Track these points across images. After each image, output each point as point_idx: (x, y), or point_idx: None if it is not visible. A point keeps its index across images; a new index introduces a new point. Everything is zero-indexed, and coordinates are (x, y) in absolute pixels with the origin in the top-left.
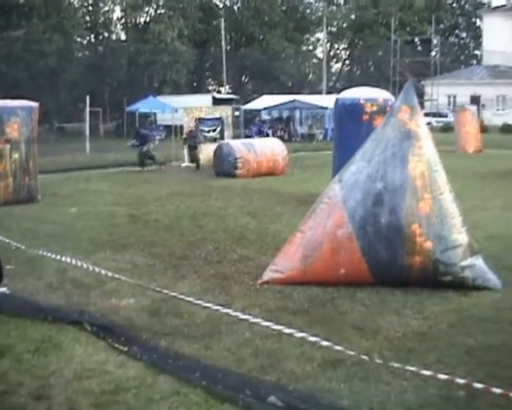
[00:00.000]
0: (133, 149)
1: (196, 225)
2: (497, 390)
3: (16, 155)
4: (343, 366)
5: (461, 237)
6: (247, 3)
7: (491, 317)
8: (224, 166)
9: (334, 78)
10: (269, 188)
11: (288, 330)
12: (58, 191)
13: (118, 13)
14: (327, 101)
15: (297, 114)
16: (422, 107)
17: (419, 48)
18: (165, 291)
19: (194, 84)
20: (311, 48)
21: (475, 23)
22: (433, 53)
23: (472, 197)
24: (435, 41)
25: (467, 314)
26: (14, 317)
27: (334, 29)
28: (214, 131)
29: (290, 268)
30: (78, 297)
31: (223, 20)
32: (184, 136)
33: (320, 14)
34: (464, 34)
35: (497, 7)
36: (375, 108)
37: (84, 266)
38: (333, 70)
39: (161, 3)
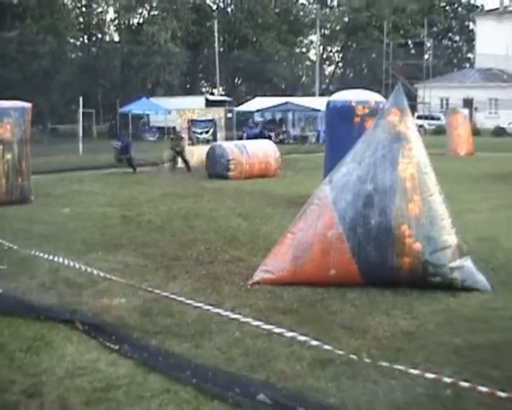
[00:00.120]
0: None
1: (188, 226)
2: (484, 389)
3: (9, 156)
4: (332, 365)
5: (450, 238)
6: (241, 5)
7: (479, 317)
8: (217, 167)
9: (327, 80)
10: (261, 190)
11: (277, 330)
12: (51, 192)
13: (111, 14)
14: (320, 103)
15: (290, 116)
16: (415, 110)
17: (412, 51)
18: (157, 291)
19: (188, 86)
20: (304, 50)
21: (468, 26)
22: (426, 56)
23: (463, 200)
24: (428, 44)
25: (455, 314)
26: (7, 316)
27: (327, 31)
28: (207, 132)
29: (281, 269)
30: (70, 297)
31: (216, 21)
32: (171, 136)
33: (313, 16)
34: (457, 37)
35: (490, 10)
36: (366, 111)
37: (77, 266)
38: (326, 72)
39: (155, 5)
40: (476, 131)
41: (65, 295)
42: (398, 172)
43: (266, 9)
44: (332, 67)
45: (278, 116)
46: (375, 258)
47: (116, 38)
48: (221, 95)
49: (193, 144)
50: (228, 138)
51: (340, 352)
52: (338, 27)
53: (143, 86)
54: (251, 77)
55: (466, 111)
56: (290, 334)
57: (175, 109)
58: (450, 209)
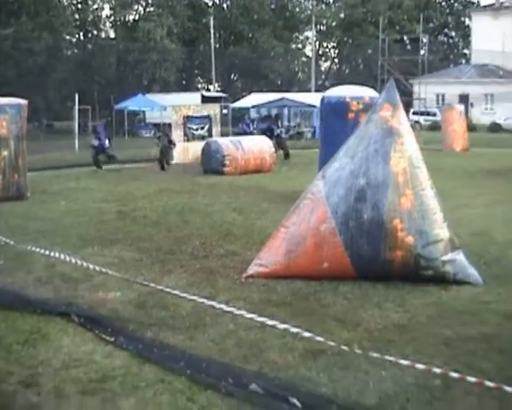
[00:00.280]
0: (92, 149)
1: (183, 221)
2: (473, 379)
3: (5, 153)
4: (323, 356)
5: (442, 232)
6: (236, 1)
7: (470, 310)
8: (212, 163)
9: (323, 76)
10: (256, 185)
11: (270, 322)
12: (47, 188)
13: (107, 11)
14: (315, 99)
15: (285, 112)
16: (411, 105)
17: (408, 47)
18: (152, 285)
19: (184, 83)
20: (300, 46)
21: (464, 22)
22: (421, 52)
23: (457, 195)
24: (424, 40)
25: (446, 307)
26: (4, 310)
27: (323, 27)
28: (202, 128)
29: (274, 262)
30: (66, 291)
31: (212, 18)
32: (158, 134)
33: (309, 12)
34: (453, 33)
35: (486, 6)
36: (360, 107)
37: (73, 260)
38: (322, 68)
39: (150, 1)
40: (472, 127)
41: (61, 289)
42: (390, 167)
43: (262, 5)
44: (328, 63)
45: (274, 112)
46: (367, 251)
47: (112, 35)
48: (217, 91)
49: (188, 140)
50: (223, 134)
51: (332, 343)
52: (334, 23)
53: (139, 83)
54: (247, 73)
55: (461, 107)
56: (283, 326)
57: (171, 106)
58: (444, 204)
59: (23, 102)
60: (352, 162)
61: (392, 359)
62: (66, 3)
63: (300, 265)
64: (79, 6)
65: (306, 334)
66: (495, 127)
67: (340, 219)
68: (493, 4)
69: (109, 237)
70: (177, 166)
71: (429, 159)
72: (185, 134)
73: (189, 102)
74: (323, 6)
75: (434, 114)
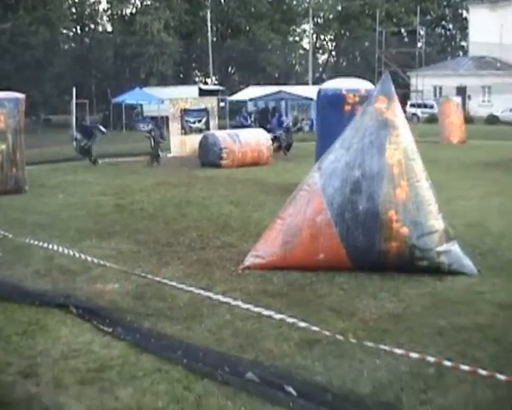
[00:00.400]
0: (74, 143)
1: (181, 214)
2: (466, 368)
3: (3, 147)
4: (319, 345)
5: (437, 223)
6: None
7: (464, 300)
8: (210, 156)
9: (320, 69)
10: (253, 178)
11: (266, 312)
12: (45, 182)
13: (104, 4)
14: (313, 92)
15: (283, 104)
16: (408, 98)
17: (405, 39)
18: (150, 276)
19: (181, 76)
20: (297, 39)
21: (462, 14)
22: (419, 44)
23: (454, 187)
24: (421, 32)
25: (441, 298)
26: (3, 301)
27: (320, 20)
28: (200, 121)
29: (271, 254)
30: (64, 283)
31: (209, 11)
32: (149, 127)
33: (306, 5)
34: (451, 25)
35: None
36: (357, 99)
37: (71, 253)
38: (319, 61)
39: None
40: (469, 119)
41: (59, 281)
42: (385, 159)
43: None
44: (325, 56)
45: (271, 105)
46: (362, 243)
47: (109, 29)
48: (214, 84)
49: (186, 133)
50: (221, 127)
51: (328, 333)
52: (331, 16)
53: (137, 76)
54: (244, 66)
55: (458, 99)
56: (279, 316)
57: (168, 99)
58: (440, 196)
59: (21, 96)
60: (348, 154)
61: (386, 348)
62: None
63: (296, 256)
64: (76, 0)
65: (302, 324)
66: (492, 119)
67: (335, 210)
68: None
69: (107, 230)
70: (174, 159)
71: (426, 151)
72: (182, 127)
73: (186, 95)
74: None
75: (432, 107)
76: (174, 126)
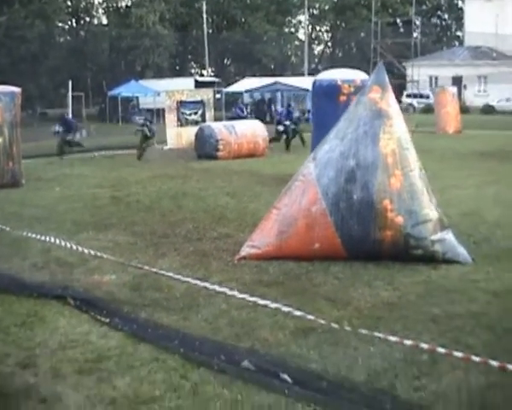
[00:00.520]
0: (56, 136)
1: (177, 206)
2: (459, 354)
3: (0, 140)
4: (314, 333)
5: (431, 212)
6: None
7: (458, 288)
8: (206, 148)
9: (316, 60)
10: (249, 169)
11: (262, 302)
12: (42, 175)
13: None
14: (308, 83)
15: (279, 95)
16: (404, 88)
17: (401, 29)
18: (146, 267)
19: (177, 68)
20: (292, 30)
21: (457, 4)
22: (414, 34)
23: (449, 177)
24: (417, 22)
25: (435, 286)
26: (1, 293)
27: (315, 11)
28: (196, 113)
29: (266, 244)
30: (62, 275)
31: (204, 3)
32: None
33: None
34: (446, 15)
35: None
36: (352, 90)
37: (68, 245)
38: (315, 52)
39: None
40: (465, 109)
41: (57, 273)
42: (379, 148)
43: None
44: (321, 47)
45: (267, 96)
46: (357, 232)
47: (104, 21)
48: (210, 76)
49: (182, 125)
50: (217, 119)
51: (323, 321)
52: (326, 7)
53: (132, 69)
54: (240, 57)
55: (454, 89)
56: (274, 305)
57: (164, 91)
58: (435, 185)
59: (17, 89)
60: (342, 144)
61: (381, 335)
62: None
63: (292, 246)
64: None
65: (297, 313)
66: (488, 109)
67: (330, 200)
68: None
69: (104, 222)
70: (170, 151)
71: (422, 141)
72: (179, 119)
73: (182, 87)
74: None
75: (428, 97)
76: (170, 118)
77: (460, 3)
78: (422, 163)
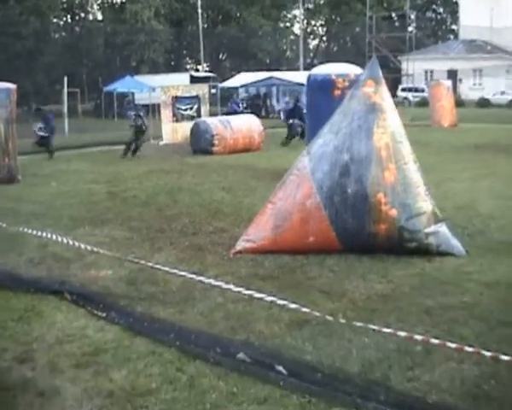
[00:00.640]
0: (38, 133)
1: (173, 201)
2: (452, 345)
3: None
4: (309, 325)
5: (425, 204)
6: None
7: (452, 280)
8: (201, 143)
9: (311, 54)
10: (244, 164)
11: (258, 295)
12: (38, 171)
13: None
14: (304, 77)
15: (274, 90)
16: (399, 82)
17: (396, 23)
18: (142, 262)
19: (172, 63)
20: (288, 25)
21: None
22: (409, 28)
23: (444, 170)
24: (412, 16)
25: (429, 278)
26: None
27: (310, 6)
28: (191, 109)
29: (262, 238)
30: (58, 270)
31: None
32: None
33: None
34: (441, 9)
35: None
36: (346, 84)
37: (65, 241)
38: (310, 47)
39: None
40: (460, 103)
41: (54, 268)
42: (373, 142)
43: None
44: (316, 41)
45: (263, 91)
46: (352, 225)
47: (99, 17)
48: (206, 71)
49: (177, 121)
50: (212, 114)
51: (317, 314)
52: (321, 1)
53: (128, 64)
54: (235, 52)
55: (449, 83)
56: (270, 298)
57: (159, 87)
58: (430, 178)
59: (12, 86)
60: (336, 138)
61: (375, 327)
62: None
63: (287, 239)
64: None
65: (292, 305)
66: (483, 102)
67: (325, 194)
68: None
69: (100, 218)
70: (166, 146)
71: (417, 135)
72: (174, 114)
73: (177, 82)
74: None
75: (423, 91)
76: (166, 114)
77: None
78: (418, 157)
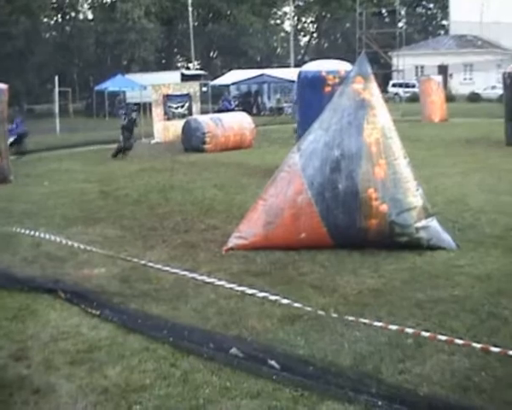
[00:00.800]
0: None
1: (165, 199)
2: (443, 338)
3: None
4: (301, 320)
5: (415, 199)
6: None
7: (442, 274)
8: (193, 141)
9: (302, 51)
10: (236, 161)
11: (250, 291)
12: (30, 172)
13: None
14: (295, 74)
15: (265, 88)
16: (390, 78)
17: (386, 19)
18: (135, 260)
19: (163, 62)
20: (278, 22)
21: None
22: (400, 24)
23: (435, 165)
24: (402, 12)
25: (420, 272)
26: None
27: (301, 3)
28: (182, 107)
29: (253, 234)
30: (52, 269)
31: None
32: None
33: None
34: (431, 5)
35: None
36: (337, 80)
37: (58, 240)
38: (301, 43)
39: None
40: (451, 98)
41: (47, 267)
42: (363, 138)
43: None
44: (307, 38)
45: (254, 88)
46: (343, 221)
47: (90, 16)
48: (197, 69)
49: (168, 119)
50: (203, 112)
51: (309, 309)
52: None
53: (118, 63)
54: (226, 50)
55: (439, 78)
56: (262, 294)
57: (151, 85)
58: (421, 173)
59: (3, 86)
60: (327, 134)
61: (366, 321)
62: None
63: (279, 236)
64: None
65: (284, 301)
66: (474, 97)
67: (316, 190)
68: None
69: (92, 217)
70: (157, 144)
71: (408, 130)
72: (165, 113)
73: (168, 80)
74: None
75: (413, 86)
76: (157, 112)
77: None
78: (409, 152)
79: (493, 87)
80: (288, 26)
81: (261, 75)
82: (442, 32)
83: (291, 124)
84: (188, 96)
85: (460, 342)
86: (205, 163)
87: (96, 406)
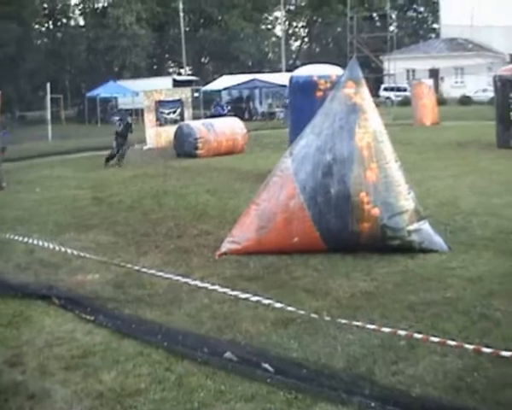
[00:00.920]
0: None
1: (158, 204)
2: (436, 339)
3: None
4: (294, 324)
5: (407, 203)
6: None
7: (434, 276)
8: (185, 146)
9: (293, 56)
10: (228, 166)
11: (243, 295)
12: (22, 178)
13: None
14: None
15: (257, 92)
16: (381, 82)
17: (377, 23)
18: (129, 265)
19: (155, 68)
20: (269, 27)
21: None
22: (391, 28)
23: (426, 168)
24: (393, 16)
25: (412, 275)
26: None
27: (292, 7)
28: (174, 112)
29: (246, 239)
30: (46, 275)
31: (181, 1)
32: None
33: None
34: (422, 8)
35: None
36: (328, 85)
37: (51, 246)
38: (292, 48)
39: None
40: (442, 101)
41: (41, 273)
42: (355, 142)
43: None
44: (298, 43)
45: (245, 93)
46: (335, 225)
47: (81, 23)
48: (188, 75)
49: (161, 125)
50: (195, 117)
51: (302, 312)
52: (303, 3)
53: (110, 70)
54: (217, 55)
55: (430, 81)
56: (255, 298)
57: (142, 91)
58: (413, 177)
59: None
60: (319, 139)
61: (359, 324)
62: None
63: (271, 240)
64: None
65: (278, 305)
66: (465, 100)
67: (308, 194)
68: None
69: (85, 223)
70: (150, 151)
71: (400, 134)
72: (157, 119)
73: (160, 86)
74: None
75: (405, 90)
76: (149, 118)
77: None
78: (401, 155)
79: (484, 90)
80: (279, 30)
81: (253, 80)
82: (433, 35)
83: (283, 129)
84: (180, 102)
85: (452, 343)
86: (197, 168)
87: None
